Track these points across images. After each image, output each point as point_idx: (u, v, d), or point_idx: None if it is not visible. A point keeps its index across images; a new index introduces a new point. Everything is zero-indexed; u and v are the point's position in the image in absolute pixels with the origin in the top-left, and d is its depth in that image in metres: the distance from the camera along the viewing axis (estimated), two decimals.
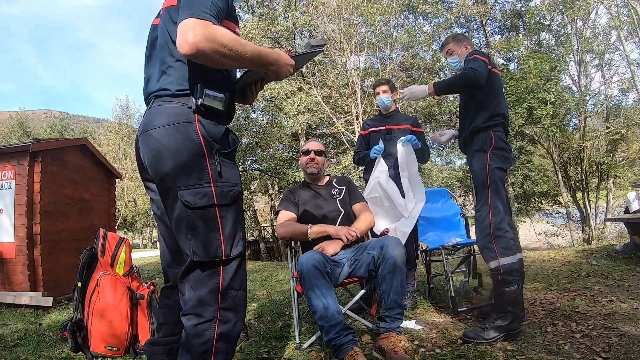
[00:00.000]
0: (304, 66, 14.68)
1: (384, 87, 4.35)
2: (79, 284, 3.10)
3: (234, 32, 1.79)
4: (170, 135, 1.70)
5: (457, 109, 17.81)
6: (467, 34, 18.76)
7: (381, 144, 4.14)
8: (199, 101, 1.71)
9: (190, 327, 1.67)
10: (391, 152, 4.15)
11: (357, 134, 16.06)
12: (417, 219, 4.25)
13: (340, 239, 3.06)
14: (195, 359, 1.66)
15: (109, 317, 3.01)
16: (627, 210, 6.53)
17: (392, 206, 3.94)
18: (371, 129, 4.40)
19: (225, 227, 1.71)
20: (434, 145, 19.98)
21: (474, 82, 3.09)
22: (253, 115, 21.70)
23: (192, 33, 1.54)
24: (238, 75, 2.03)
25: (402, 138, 4.00)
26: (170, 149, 1.69)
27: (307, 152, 3.44)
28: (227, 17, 1.79)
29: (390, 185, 3.93)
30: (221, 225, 1.70)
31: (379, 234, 3.50)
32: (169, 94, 1.78)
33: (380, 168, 4.02)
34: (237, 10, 2.22)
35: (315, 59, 17.86)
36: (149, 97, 1.87)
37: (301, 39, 21.01)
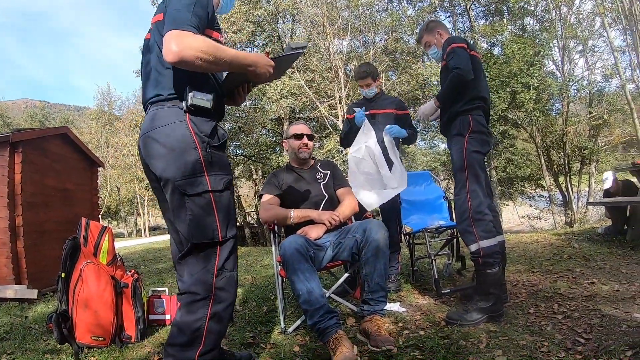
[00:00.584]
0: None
1: (367, 81, 4.22)
2: (63, 275, 3.05)
3: (217, 40, 1.99)
4: (166, 135, 1.90)
5: None
6: (440, 19, 18.75)
7: (361, 111, 4.10)
8: (189, 102, 1.91)
9: (184, 305, 1.86)
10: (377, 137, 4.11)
11: (340, 118, 16.05)
12: (400, 202, 4.29)
13: (324, 224, 3.05)
14: (188, 338, 1.83)
15: (93, 307, 2.98)
16: (606, 192, 6.63)
17: (377, 175, 3.88)
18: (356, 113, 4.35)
19: (220, 211, 1.91)
20: (419, 128, 20.05)
21: (463, 80, 3.09)
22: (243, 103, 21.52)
23: (175, 43, 1.73)
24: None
25: (387, 128, 3.97)
26: (167, 147, 1.89)
27: (300, 136, 3.36)
28: (209, 26, 1.98)
29: (378, 153, 3.84)
30: (216, 209, 1.90)
31: (364, 213, 3.52)
32: (162, 99, 1.98)
33: (368, 132, 3.93)
34: None
35: (298, 41, 17.76)
36: (146, 104, 2.07)
37: (284, 23, 20.86)
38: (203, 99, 1.94)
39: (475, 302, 2.98)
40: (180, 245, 2.02)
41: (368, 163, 3.88)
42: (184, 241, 1.93)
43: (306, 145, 3.37)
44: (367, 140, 3.89)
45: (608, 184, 6.32)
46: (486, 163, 3.38)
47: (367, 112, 4.17)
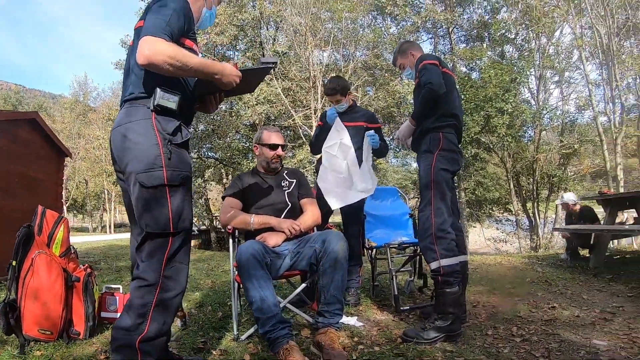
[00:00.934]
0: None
1: (336, 97, 4.16)
2: (14, 263, 2.94)
3: (191, 49, 2.11)
4: (133, 130, 2.03)
5: None
6: (421, 40, 19.07)
7: (333, 109, 4.11)
8: (155, 102, 2.04)
9: (133, 289, 1.97)
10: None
11: (314, 128, 16.05)
12: (365, 216, 4.29)
13: (283, 232, 3.00)
14: (132, 321, 1.92)
15: (42, 298, 2.87)
16: (567, 215, 6.82)
17: (347, 174, 3.82)
18: (329, 122, 4.26)
19: (173, 204, 2.02)
20: (392, 146, 20.21)
21: (434, 96, 3.09)
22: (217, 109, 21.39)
23: (147, 47, 1.87)
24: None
25: (369, 133, 3.96)
26: (132, 141, 2.02)
27: (275, 147, 3.30)
28: (185, 36, 2.11)
29: (352, 152, 3.82)
30: (170, 202, 2.01)
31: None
32: (133, 97, 2.12)
33: (341, 130, 3.89)
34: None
35: (279, 49, 17.75)
36: (122, 101, 2.20)
37: (267, 29, 20.85)
38: (169, 100, 2.06)
39: (433, 320, 2.95)
40: (138, 236, 2.07)
41: (339, 161, 3.84)
42: (141, 231, 2.02)
43: (279, 156, 3.32)
44: (342, 137, 3.87)
45: (570, 199, 6.51)
46: (456, 183, 3.39)
47: None
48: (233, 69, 2.13)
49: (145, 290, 1.94)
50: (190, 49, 2.10)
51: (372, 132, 3.98)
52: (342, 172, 3.83)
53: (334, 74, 17.26)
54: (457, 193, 3.62)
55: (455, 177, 3.30)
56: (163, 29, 1.94)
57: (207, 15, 2.45)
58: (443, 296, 2.97)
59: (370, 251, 4.34)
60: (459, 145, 3.35)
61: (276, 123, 20.35)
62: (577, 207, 7.63)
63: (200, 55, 2.21)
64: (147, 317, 1.93)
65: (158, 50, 1.87)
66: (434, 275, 3.02)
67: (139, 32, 2.07)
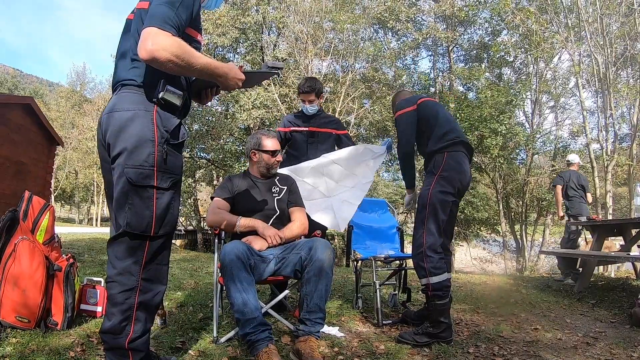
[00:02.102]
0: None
1: (310, 97, 4.14)
2: None
3: (196, 40, 2.06)
4: (129, 120, 1.92)
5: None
6: (421, 57, 19.10)
7: (291, 115, 4.20)
8: (160, 94, 1.95)
9: (113, 294, 1.91)
10: (312, 158, 4.05)
11: None
12: (352, 227, 4.28)
13: (265, 239, 2.99)
14: (118, 324, 1.90)
15: (22, 285, 2.83)
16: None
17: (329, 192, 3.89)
18: (293, 128, 4.24)
19: (159, 208, 1.94)
20: (385, 160, 20.24)
21: (407, 152, 3.48)
22: (208, 103, 21.38)
23: (151, 41, 1.75)
24: None
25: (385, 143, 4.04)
26: (127, 132, 1.90)
27: (275, 153, 3.29)
28: (191, 26, 2.01)
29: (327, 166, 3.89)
30: (156, 205, 1.93)
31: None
32: (134, 84, 1.99)
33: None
34: None
35: (280, 55, 17.78)
36: (117, 84, 2.08)
37: (269, 34, 20.88)
38: (174, 95, 1.98)
39: (426, 326, 3.10)
40: (116, 228, 2.01)
41: (314, 190, 3.89)
42: (117, 225, 1.97)
43: (278, 162, 3.31)
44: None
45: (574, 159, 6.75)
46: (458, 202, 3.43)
47: (307, 129, 4.16)
48: (238, 72, 2.05)
49: (126, 295, 1.91)
50: (195, 40, 2.05)
51: (388, 140, 4.02)
52: (322, 195, 3.87)
53: (331, 84, 17.34)
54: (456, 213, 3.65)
55: (458, 195, 3.34)
56: (170, 21, 1.82)
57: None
58: (434, 308, 3.10)
59: (355, 262, 4.33)
60: (471, 156, 3.49)
61: (271, 128, 20.37)
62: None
63: (201, 40, 2.17)
64: (131, 319, 1.92)
65: (163, 46, 1.75)
66: (424, 290, 3.17)
67: (142, 14, 1.95)
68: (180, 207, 2.08)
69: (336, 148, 4.24)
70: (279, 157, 3.31)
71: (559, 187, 7.63)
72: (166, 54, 1.76)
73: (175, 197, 2.04)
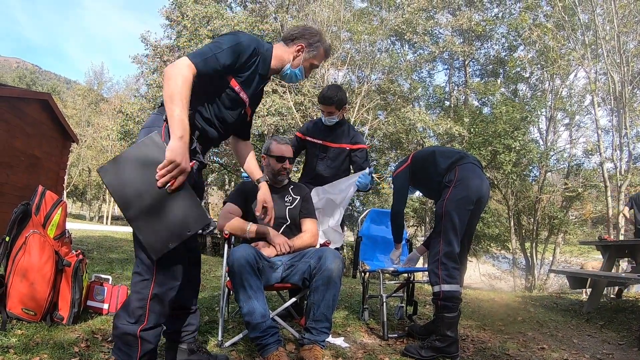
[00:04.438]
0: None
1: (330, 109, 3.87)
2: (7, 239, 2.93)
3: (231, 87, 2.25)
4: (144, 134, 2.07)
5: (424, 139, 18.15)
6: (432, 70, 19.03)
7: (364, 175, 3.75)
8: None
9: (134, 284, 2.04)
10: (322, 173, 3.98)
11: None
12: (361, 238, 4.30)
13: (274, 246, 3.00)
14: (133, 312, 2.00)
15: (31, 278, 2.86)
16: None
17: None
18: (308, 137, 4.06)
19: None
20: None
21: (398, 211, 3.77)
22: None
23: (174, 64, 2.02)
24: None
25: (364, 173, 3.73)
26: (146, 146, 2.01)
27: (282, 159, 3.26)
28: (232, 74, 2.24)
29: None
30: None
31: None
32: (160, 105, 2.17)
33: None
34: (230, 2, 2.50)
35: None
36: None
37: None
38: None
39: (433, 340, 3.08)
40: None
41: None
42: None
43: (285, 169, 3.29)
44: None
45: None
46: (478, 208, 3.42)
47: (321, 142, 4.00)
48: (185, 159, 1.91)
49: (143, 285, 2.01)
50: (229, 87, 2.24)
51: (367, 172, 3.74)
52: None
53: (347, 94, 17.32)
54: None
55: (477, 204, 3.33)
56: (202, 55, 2.07)
57: (289, 72, 2.52)
58: (442, 320, 3.09)
59: (363, 274, 4.32)
60: (482, 166, 3.52)
61: (285, 136, 20.43)
62: None
63: (242, 94, 2.31)
64: (146, 309, 2.00)
65: (175, 74, 1.97)
66: (434, 299, 3.16)
67: None
68: None
69: (351, 168, 4.08)
70: (287, 165, 3.28)
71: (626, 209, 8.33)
72: (169, 70, 1.99)
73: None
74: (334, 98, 3.84)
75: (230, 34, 2.26)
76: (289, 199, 3.32)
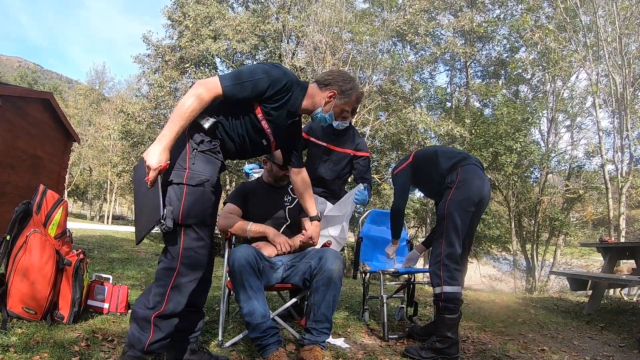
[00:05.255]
0: None
1: (348, 115, 3.87)
2: (8, 237, 2.94)
3: (253, 112, 2.36)
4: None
5: (425, 140, 18.14)
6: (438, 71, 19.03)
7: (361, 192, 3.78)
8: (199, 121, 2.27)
9: (158, 271, 2.19)
10: (323, 175, 3.96)
11: None
12: (362, 239, 4.33)
13: (275, 246, 3.00)
14: (153, 298, 2.14)
15: (31, 277, 2.87)
16: None
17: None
18: (312, 138, 4.02)
19: (187, 201, 2.16)
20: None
21: (398, 210, 3.77)
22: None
23: (207, 80, 2.20)
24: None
25: (359, 188, 3.77)
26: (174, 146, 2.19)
27: (284, 167, 3.23)
28: (259, 102, 2.34)
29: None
30: (184, 199, 2.16)
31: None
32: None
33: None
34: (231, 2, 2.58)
35: (297, 64, 17.84)
36: None
37: (287, 43, 20.97)
38: (204, 120, 2.26)
39: (433, 341, 3.09)
40: None
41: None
42: None
43: (287, 175, 3.28)
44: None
45: None
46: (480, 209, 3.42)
47: (325, 144, 3.97)
48: (154, 158, 2.09)
49: (166, 273, 2.15)
50: (252, 111, 2.35)
51: (362, 187, 3.78)
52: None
53: None
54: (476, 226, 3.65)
55: (479, 205, 3.33)
56: (231, 82, 2.22)
57: (319, 116, 2.59)
58: (443, 322, 3.10)
59: (363, 275, 4.32)
60: (483, 167, 3.51)
61: None
62: None
63: (264, 124, 2.40)
64: (165, 296, 2.12)
65: (200, 90, 2.14)
66: (436, 300, 3.17)
67: None
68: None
69: (351, 174, 4.10)
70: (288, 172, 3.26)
71: None
72: (196, 85, 2.17)
73: (204, 193, 2.23)
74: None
75: (271, 64, 2.36)
76: (288, 199, 3.34)
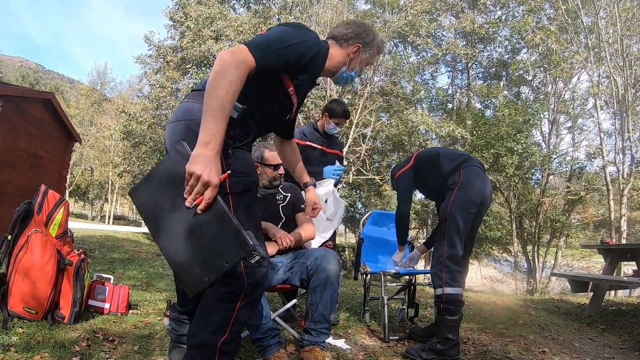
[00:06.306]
0: None
1: (345, 122, 4.32)
2: (9, 237, 2.94)
3: (285, 90, 1.97)
4: (188, 129, 1.82)
5: (426, 141, 18.14)
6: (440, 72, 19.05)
7: (339, 166, 4.10)
8: None
9: (217, 294, 1.79)
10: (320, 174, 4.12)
11: None
12: (363, 240, 4.35)
13: (275, 241, 3.00)
14: (211, 322, 1.78)
15: (32, 277, 2.87)
16: None
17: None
18: (309, 143, 4.18)
19: (238, 215, 1.71)
20: None
21: (402, 216, 3.69)
22: None
23: (233, 51, 1.69)
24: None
25: (337, 168, 4.02)
26: (187, 141, 1.72)
27: (277, 167, 3.24)
28: (288, 74, 1.94)
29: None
30: (234, 210, 1.73)
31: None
32: (200, 88, 1.91)
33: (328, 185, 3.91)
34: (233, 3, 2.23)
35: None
36: (192, 91, 2.02)
37: None
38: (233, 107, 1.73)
39: (434, 342, 3.09)
40: None
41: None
42: None
43: (280, 175, 3.30)
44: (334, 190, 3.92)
45: None
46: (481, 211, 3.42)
47: (320, 147, 4.18)
48: (206, 169, 1.55)
49: (229, 297, 1.79)
50: (284, 91, 1.98)
51: (339, 166, 4.06)
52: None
53: (349, 96, 17.32)
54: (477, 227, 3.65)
55: (481, 206, 3.35)
56: (260, 51, 1.75)
57: (345, 75, 2.26)
58: (444, 323, 3.09)
59: (364, 276, 4.33)
60: (484, 169, 3.51)
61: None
62: None
63: (294, 99, 2.06)
64: (230, 319, 1.79)
65: (226, 61, 1.65)
66: (437, 302, 3.15)
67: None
68: None
69: None
70: (281, 170, 3.26)
71: None
72: (224, 60, 1.66)
73: (254, 199, 1.91)
74: (349, 112, 4.24)
75: (295, 26, 1.96)
76: (280, 197, 3.35)
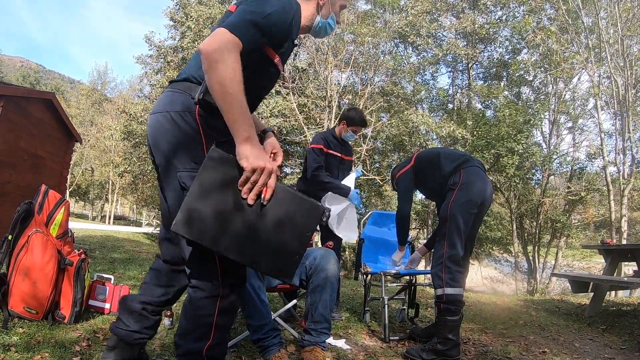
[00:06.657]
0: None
1: (361, 130, 4.45)
2: (10, 237, 2.94)
3: (274, 64, 1.88)
4: (172, 121, 1.76)
5: (427, 142, 18.13)
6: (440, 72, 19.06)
7: (359, 171, 4.35)
8: (201, 95, 1.72)
9: (193, 300, 1.74)
10: (341, 180, 4.26)
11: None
12: (363, 240, 4.35)
13: None
14: (193, 329, 1.76)
15: (33, 277, 2.87)
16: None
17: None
18: (331, 151, 4.33)
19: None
20: None
21: (403, 216, 3.72)
22: None
23: (214, 39, 1.59)
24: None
25: (355, 193, 4.09)
26: (171, 133, 1.76)
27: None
28: (271, 45, 1.82)
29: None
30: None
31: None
32: (183, 79, 1.86)
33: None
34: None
35: (300, 65, 17.85)
36: (174, 81, 1.91)
37: None
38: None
39: (434, 343, 3.10)
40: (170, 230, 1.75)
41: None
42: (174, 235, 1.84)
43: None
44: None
45: None
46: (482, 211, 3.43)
47: (339, 155, 4.35)
48: (265, 159, 1.61)
49: (207, 302, 1.74)
50: (272, 63, 1.88)
51: (354, 193, 4.09)
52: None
53: (350, 96, 17.32)
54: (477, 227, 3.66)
55: (481, 207, 3.35)
56: (244, 28, 1.66)
57: (321, 25, 2.11)
58: (444, 323, 3.10)
59: (365, 276, 4.33)
60: (485, 169, 3.53)
61: (287, 138, 20.40)
62: None
63: (280, 67, 1.94)
64: (212, 325, 1.75)
65: (218, 49, 1.57)
66: (437, 302, 3.17)
67: (227, 15, 1.81)
68: None
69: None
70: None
71: None
72: (211, 48, 1.57)
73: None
74: (367, 121, 4.48)
75: None
76: None
